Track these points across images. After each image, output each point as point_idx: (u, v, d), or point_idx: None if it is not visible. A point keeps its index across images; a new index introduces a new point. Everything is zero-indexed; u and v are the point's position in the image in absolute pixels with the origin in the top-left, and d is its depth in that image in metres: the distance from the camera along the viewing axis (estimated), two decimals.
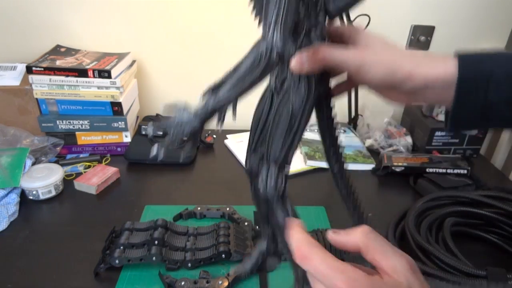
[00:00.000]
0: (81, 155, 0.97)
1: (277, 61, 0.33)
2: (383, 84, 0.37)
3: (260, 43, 0.33)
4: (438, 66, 0.36)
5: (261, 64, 0.33)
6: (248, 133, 0.39)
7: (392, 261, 0.30)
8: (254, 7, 0.33)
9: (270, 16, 0.32)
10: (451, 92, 0.35)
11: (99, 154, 0.98)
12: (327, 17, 0.34)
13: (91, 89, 0.92)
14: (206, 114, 0.34)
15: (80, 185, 0.85)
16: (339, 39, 0.39)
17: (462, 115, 0.37)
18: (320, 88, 0.36)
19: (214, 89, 0.34)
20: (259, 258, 0.45)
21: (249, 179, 0.40)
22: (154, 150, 0.35)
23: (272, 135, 0.36)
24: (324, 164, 0.97)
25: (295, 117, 0.35)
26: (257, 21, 0.33)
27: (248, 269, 0.46)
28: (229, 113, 0.36)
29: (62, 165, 0.89)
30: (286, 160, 0.37)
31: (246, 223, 0.72)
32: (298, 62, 0.33)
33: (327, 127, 0.41)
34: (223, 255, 0.65)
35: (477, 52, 0.37)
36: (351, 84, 0.41)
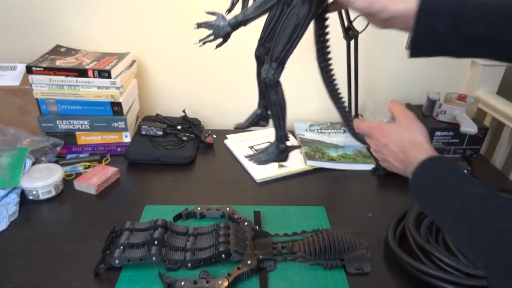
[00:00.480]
0: (81, 155, 0.97)
1: None
2: (364, 12, 0.48)
3: None
4: (404, 3, 0.47)
5: None
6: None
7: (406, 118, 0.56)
8: None
9: None
10: (411, 22, 0.46)
11: (99, 154, 0.98)
12: None
13: (91, 89, 0.92)
14: (236, 24, 0.47)
15: (80, 185, 0.85)
16: None
17: (417, 42, 0.47)
18: (317, 9, 0.50)
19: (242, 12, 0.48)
20: (254, 118, 0.66)
21: (257, 63, 0.58)
22: (199, 40, 0.49)
23: (278, 38, 0.51)
24: (324, 164, 0.97)
25: (298, 26, 0.49)
26: None
27: (246, 125, 0.67)
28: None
29: (62, 165, 0.90)
30: (283, 60, 0.52)
31: (246, 223, 0.72)
32: None
33: (321, 36, 0.56)
34: (223, 255, 0.65)
35: None
36: (343, 7, 0.53)
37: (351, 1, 0.47)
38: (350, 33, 1.00)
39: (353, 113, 1.15)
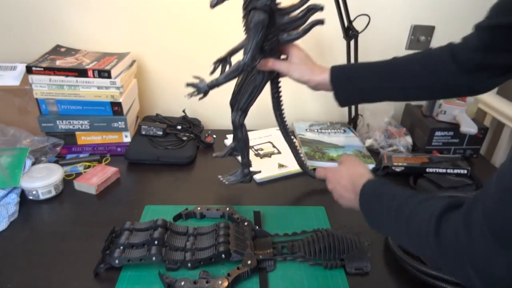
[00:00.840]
0: (81, 155, 0.97)
1: (248, 70, 0.69)
2: (298, 80, 0.71)
3: (241, 61, 0.64)
4: (322, 75, 0.70)
5: (239, 69, 0.64)
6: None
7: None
8: (246, 33, 0.66)
9: (248, 48, 0.63)
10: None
11: (99, 154, 0.98)
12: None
13: (91, 89, 0.92)
14: (211, 86, 0.65)
15: (80, 185, 0.85)
16: (286, 54, 0.72)
17: (338, 98, 0.71)
18: (270, 76, 0.72)
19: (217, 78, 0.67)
20: (229, 150, 0.84)
21: (231, 109, 0.76)
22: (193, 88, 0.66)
23: (242, 95, 0.73)
24: (324, 164, 0.97)
25: (256, 88, 0.72)
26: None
27: (222, 155, 0.85)
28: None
29: (62, 165, 0.90)
30: (246, 109, 0.74)
31: (246, 223, 0.72)
32: (260, 65, 0.69)
33: (275, 93, 0.76)
34: (223, 255, 0.65)
35: (343, 65, 0.71)
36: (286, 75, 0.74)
37: (289, 73, 0.70)
38: (350, 33, 1.00)
39: (353, 113, 1.15)
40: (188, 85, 0.66)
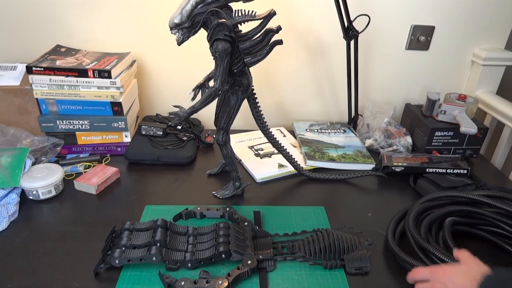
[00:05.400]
0: (81, 155, 0.97)
1: (219, 94, 0.72)
2: None
3: (212, 87, 0.70)
4: None
5: (212, 94, 0.70)
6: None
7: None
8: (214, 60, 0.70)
9: (217, 75, 0.69)
10: None
11: (99, 154, 0.98)
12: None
13: (91, 89, 0.92)
14: (189, 113, 0.72)
15: (80, 185, 0.85)
16: None
17: None
18: (243, 96, 0.76)
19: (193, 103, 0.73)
20: (221, 166, 0.93)
21: (216, 130, 0.81)
22: (175, 119, 0.73)
23: (221, 116, 0.79)
24: (324, 164, 0.97)
25: (232, 108, 0.77)
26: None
27: (215, 172, 0.93)
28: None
29: (62, 165, 0.90)
30: (227, 128, 0.79)
31: (246, 223, 0.72)
32: None
33: (254, 109, 0.81)
34: (223, 255, 0.65)
35: None
36: None
37: None
38: (350, 33, 1.00)
39: (353, 113, 1.15)
40: (170, 114, 0.74)
